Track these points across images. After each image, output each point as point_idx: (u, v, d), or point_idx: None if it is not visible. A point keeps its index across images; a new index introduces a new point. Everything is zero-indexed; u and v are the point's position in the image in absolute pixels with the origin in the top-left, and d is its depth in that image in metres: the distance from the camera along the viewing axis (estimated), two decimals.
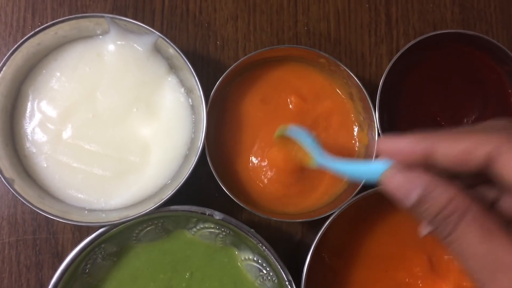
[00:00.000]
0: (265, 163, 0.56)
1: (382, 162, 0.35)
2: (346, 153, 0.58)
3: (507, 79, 0.61)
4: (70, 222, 0.48)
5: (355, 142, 0.58)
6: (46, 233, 0.57)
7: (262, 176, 0.56)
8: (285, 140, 0.53)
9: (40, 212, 0.48)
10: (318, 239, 0.51)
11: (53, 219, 0.49)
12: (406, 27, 0.66)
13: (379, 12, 0.65)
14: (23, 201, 0.48)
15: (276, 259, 0.51)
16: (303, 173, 0.56)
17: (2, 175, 0.48)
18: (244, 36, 0.64)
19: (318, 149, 0.48)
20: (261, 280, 0.55)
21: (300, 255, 0.55)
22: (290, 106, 0.57)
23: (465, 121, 0.60)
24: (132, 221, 0.51)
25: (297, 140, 0.51)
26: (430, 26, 0.66)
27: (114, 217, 0.50)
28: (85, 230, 0.58)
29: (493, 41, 0.58)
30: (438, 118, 0.60)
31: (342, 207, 0.52)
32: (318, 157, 0.48)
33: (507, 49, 0.58)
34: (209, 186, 0.60)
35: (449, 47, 0.61)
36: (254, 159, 0.56)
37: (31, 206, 0.48)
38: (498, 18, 0.67)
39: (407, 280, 0.57)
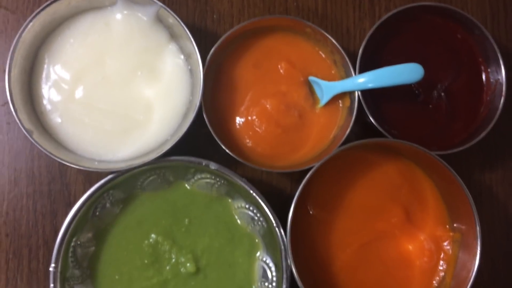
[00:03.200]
0: (257, 121, 0.62)
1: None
2: (331, 112, 0.64)
3: (478, 49, 0.66)
4: (81, 168, 0.55)
5: (339, 103, 0.64)
6: (60, 185, 0.64)
7: (254, 133, 0.62)
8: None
9: (55, 158, 0.54)
10: (302, 187, 0.57)
11: (67, 166, 0.55)
12: (387, 3, 0.72)
13: None
14: (41, 148, 0.54)
15: (265, 204, 0.57)
16: (292, 131, 0.62)
17: (23, 126, 0.54)
18: (239, 11, 0.70)
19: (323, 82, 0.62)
20: (252, 225, 0.61)
21: (289, 208, 0.61)
22: (281, 71, 0.63)
23: (439, 86, 0.66)
24: (136, 170, 0.57)
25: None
26: (410, 2, 0.71)
27: (121, 166, 0.57)
28: (95, 181, 0.63)
29: (465, 13, 0.64)
30: (413, 85, 0.65)
31: (323, 160, 0.58)
32: (326, 88, 0.62)
33: (476, 20, 0.63)
34: (206, 147, 0.66)
35: (425, 19, 0.67)
36: (246, 118, 0.62)
37: (47, 153, 0.54)
38: None
39: (385, 228, 0.63)
